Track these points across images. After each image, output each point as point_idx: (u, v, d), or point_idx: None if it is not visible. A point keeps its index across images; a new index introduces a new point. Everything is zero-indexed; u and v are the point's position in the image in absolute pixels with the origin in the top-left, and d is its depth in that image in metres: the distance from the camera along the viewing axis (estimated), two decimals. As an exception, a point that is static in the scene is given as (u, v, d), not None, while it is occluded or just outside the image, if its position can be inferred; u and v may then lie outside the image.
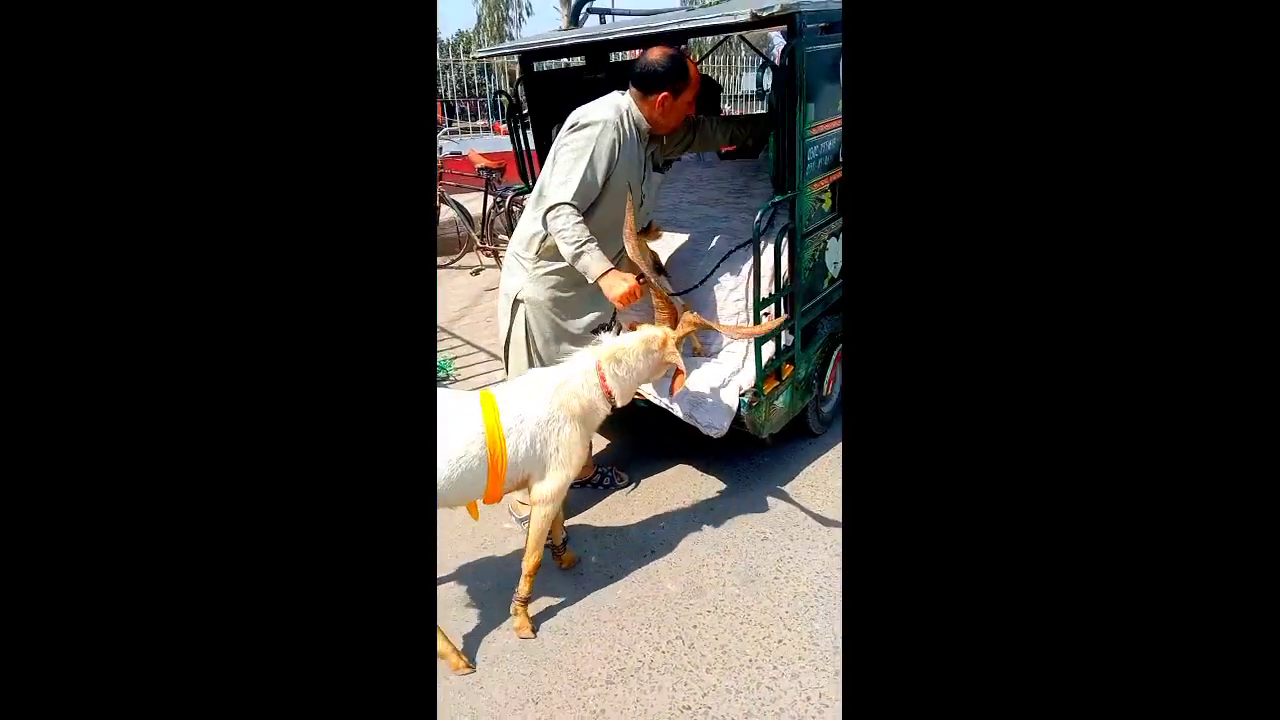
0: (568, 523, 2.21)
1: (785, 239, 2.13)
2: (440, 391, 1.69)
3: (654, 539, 2.20)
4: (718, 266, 2.33)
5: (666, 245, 2.63)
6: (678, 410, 2.20)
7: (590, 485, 2.45)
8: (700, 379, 2.30)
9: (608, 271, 1.86)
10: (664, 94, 1.98)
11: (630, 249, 1.89)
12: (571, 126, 1.98)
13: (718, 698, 1.61)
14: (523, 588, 1.80)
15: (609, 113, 1.99)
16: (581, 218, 1.88)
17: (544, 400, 1.74)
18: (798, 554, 2.08)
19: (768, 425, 2.29)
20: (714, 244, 2.52)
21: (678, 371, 1.89)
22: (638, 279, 1.89)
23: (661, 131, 2.12)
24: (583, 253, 1.85)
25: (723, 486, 2.45)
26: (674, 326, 1.92)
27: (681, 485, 2.46)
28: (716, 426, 2.14)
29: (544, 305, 2.09)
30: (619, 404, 1.83)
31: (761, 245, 2.04)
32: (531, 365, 2.12)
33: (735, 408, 2.17)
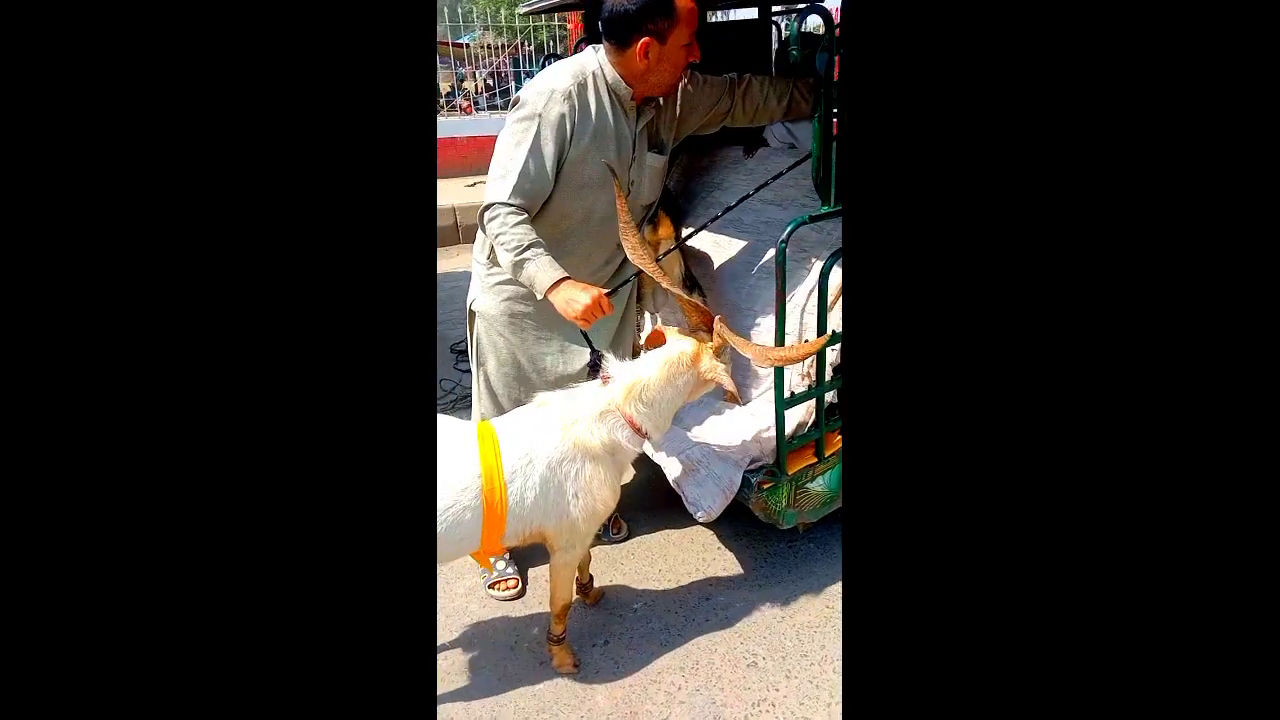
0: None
1: (837, 265, 1.50)
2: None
3: (627, 622, 1.76)
4: (751, 288, 1.75)
5: (721, 251, 2.07)
6: (668, 471, 1.70)
7: None
8: (715, 431, 1.76)
9: (559, 282, 1.40)
10: (644, 39, 1.44)
11: (630, 248, 1.40)
12: (513, 105, 1.53)
13: None
14: (555, 628, 1.56)
15: (561, 80, 1.50)
16: (525, 218, 1.45)
17: (555, 436, 1.38)
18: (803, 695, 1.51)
19: (791, 515, 1.70)
20: (766, 258, 1.91)
21: (728, 393, 1.46)
22: (604, 291, 1.42)
23: (657, 93, 1.57)
24: (525, 260, 1.41)
25: (735, 569, 1.90)
26: (709, 332, 1.43)
27: (680, 551, 1.96)
28: (703, 507, 1.61)
29: (498, 322, 1.70)
30: (655, 437, 1.46)
31: (807, 270, 1.43)
32: (483, 390, 1.77)
33: (734, 485, 1.62)
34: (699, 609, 1.78)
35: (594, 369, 1.51)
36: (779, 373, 1.54)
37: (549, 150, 1.47)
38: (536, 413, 1.43)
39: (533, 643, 1.68)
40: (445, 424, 1.40)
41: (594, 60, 1.54)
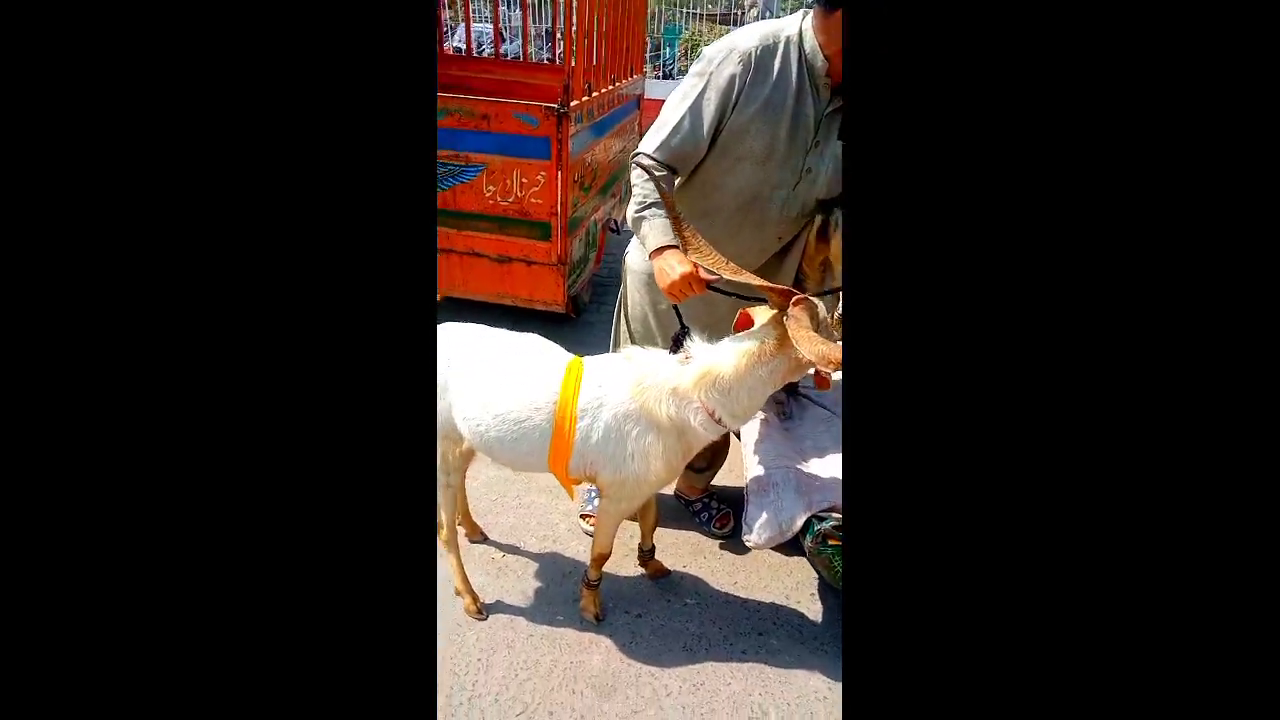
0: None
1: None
2: (530, 338, 1.54)
3: (671, 611, 1.72)
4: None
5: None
6: (748, 473, 1.54)
7: (685, 505, 2.03)
8: (819, 456, 1.53)
9: (663, 249, 1.35)
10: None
11: (707, 261, 1.26)
12: (697, 58, 1.43)
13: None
14: (591, 572, 1.63)
15: (746, 39, 1.35)
16: (664, 175, 1.40)
17: (626, 391, 1.38)
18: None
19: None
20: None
21: (817, 375, 1.32)
22: (699, 271, 1.31)
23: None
24: (643, 217, 1.38)
25: (811, 618, 1.66)
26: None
27: (770, 572, 1.78)
28: (753, 531, 1.43)
29: (639, 278, 1.68)
30: (733, 426, 1.38)
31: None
32: (624, 341, 1.81)
33: (793, 527, 1.40)
34: (746, 640, 1.64)
35: (677, 344, 1.45)
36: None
37: (709, 111, 1.38)
38: (621, 363, 1.44)
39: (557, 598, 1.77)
40: (541, 346, 1.49)
41: (796, 25, 1.37)
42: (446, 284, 2.71)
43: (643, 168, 1.39)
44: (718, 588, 1.79)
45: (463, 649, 1.57)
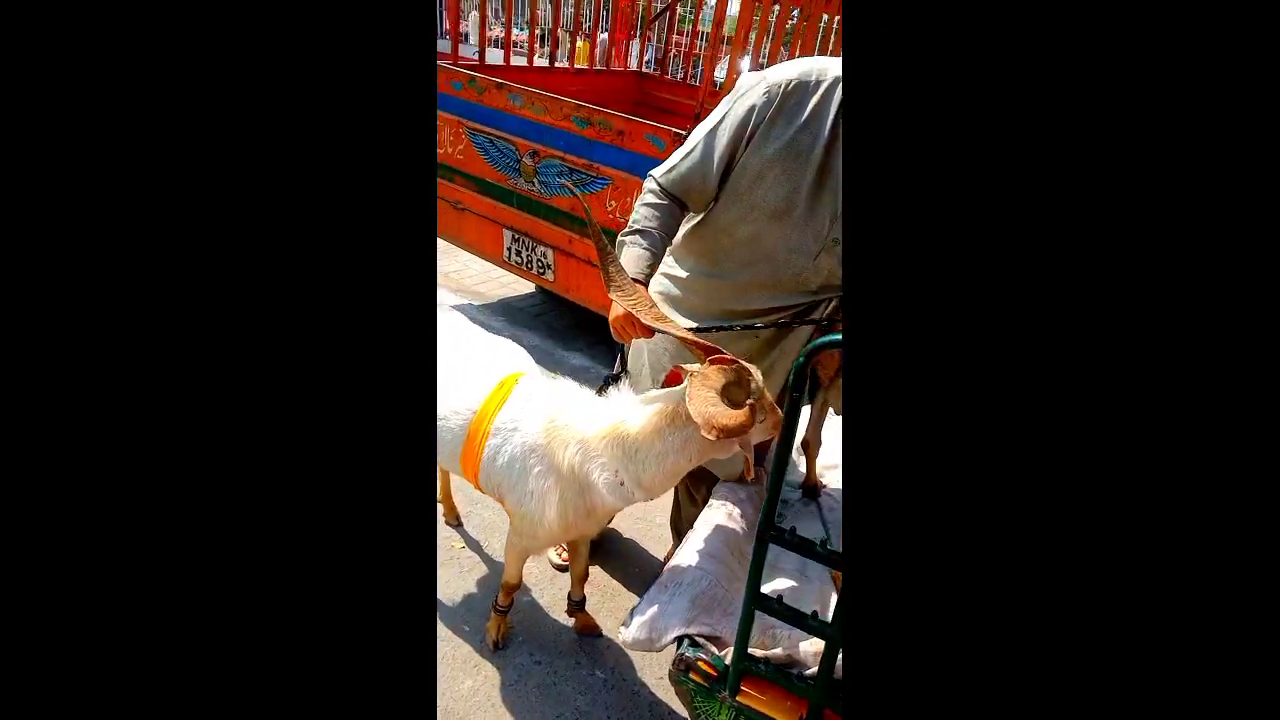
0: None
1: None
2: (500, 344, 1.51)
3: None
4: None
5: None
6: (677, 556, 1.34)
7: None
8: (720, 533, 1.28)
9: (623, 282, 1.22)
10: None
11: (606, 277, 1.12)
12: None
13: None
14: (500, 597, 1.57)
15: (783, 72, 1.16)
16: (665, 203, 1.28)
17: (540, 422, 1.29)
18: None
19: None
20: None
21: (745, 461, 1.15)
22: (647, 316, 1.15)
23: None
24: (624, 242, 1.27)
25: None
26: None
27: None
28: (630, 627, 1.23)
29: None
30: (640, 498, 1.23)
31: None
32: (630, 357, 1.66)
33: (664, 635, 1.18)
34: None
35: (605, 384, 1.30)
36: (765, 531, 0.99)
37: (721, 143, 1.22)
38: (549, 391, 1.35)
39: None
40: (500, 355, 1.46)
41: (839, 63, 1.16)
42: (563, 286, 2.82)
43: (647, 188, 1.30)
44: (638, 675, 1.59)
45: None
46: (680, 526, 1.80)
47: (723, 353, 1.09)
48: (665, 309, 1.46)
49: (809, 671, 1.06)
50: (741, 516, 1.48)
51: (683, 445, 1.14)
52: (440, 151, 3.08)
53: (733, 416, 1.02)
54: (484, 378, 1.38)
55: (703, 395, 1.03)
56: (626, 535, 2.05)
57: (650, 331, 1.18)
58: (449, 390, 1.38)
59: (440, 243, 3.56)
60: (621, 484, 1.20)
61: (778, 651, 1.10)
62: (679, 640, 1.17)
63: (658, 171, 1.31)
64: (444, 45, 3.36)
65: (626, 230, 1.30)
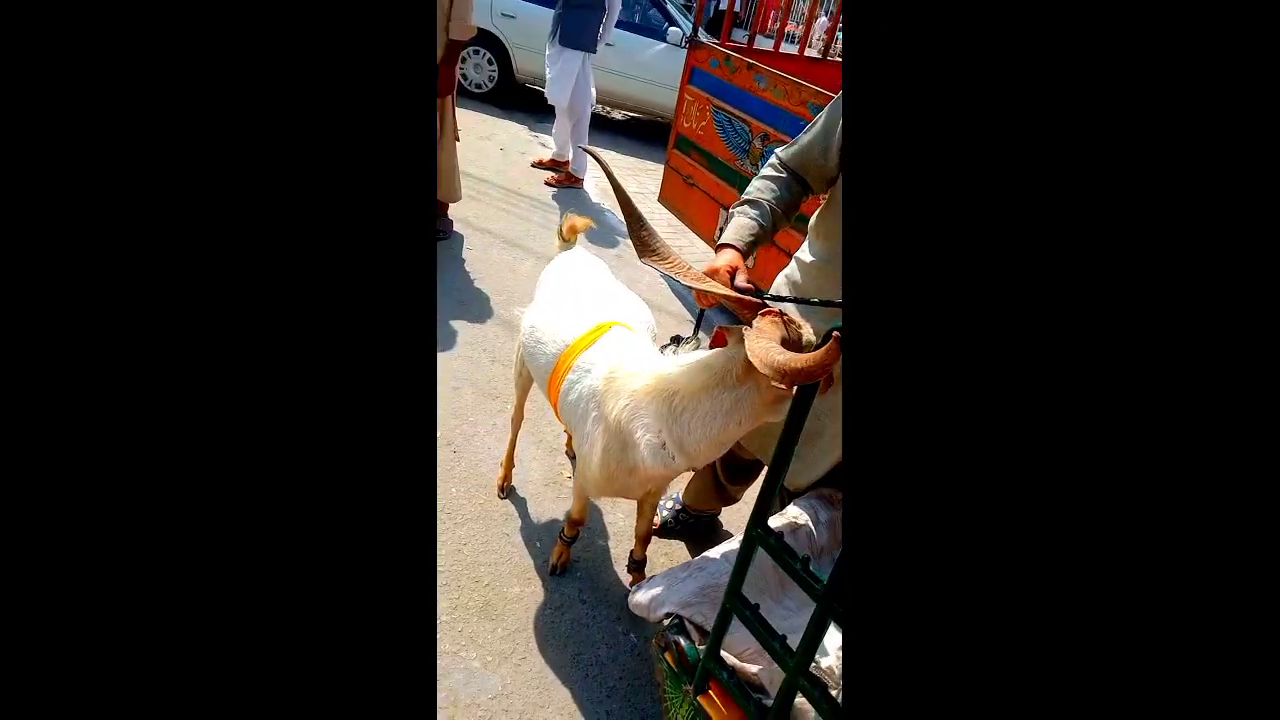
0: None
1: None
2: (620, 291, 1.56)
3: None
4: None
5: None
6: (715, 548, 1.29)
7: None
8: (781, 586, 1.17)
9: (721, 248, 1.21)
10: None
11: (638, 244, 1.05)
12: None
13: None
14: (566, 529, 1.66)
15: None
16: (784, 177, 1.25)
17: (603, 371, 1.30)
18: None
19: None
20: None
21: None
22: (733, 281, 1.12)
23: None
24: (733, 213, 1.26)
25: None
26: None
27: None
28: (635, 597, 1.21)
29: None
30: (682, 464, 1.18)
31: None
32: None
33: (656, 614, 1.14)
34: None
35: (671, 343, 1.26)
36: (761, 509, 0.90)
37: (838, 128, 1.16)
38: (625, 343, 1.36)
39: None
40: (616, 300, 1.51)
41: None
42: (758, 276, 2.76)
43: (768, 164, 1.27)
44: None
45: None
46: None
47: (770, 307, 1.00)
48: (785, 294, 1.39)
49: (768, 701, 0.95)
50: (808, 536, 1.35)
51: (733, 406, 1.07)
52: (686, 125, 3.21)
53: (805, 358, 0.87)
54: (588, 317, 1.45)
55: (763, 345, 0.95)
56: (727, 526, 1.99)
57: (728, 292, 1.13)
58: (554, 320, 1.47)
59: (669, 218, 3.71)
60: (663, 446, 1.17)
61: (748, 667, 1.00)
62: (669, 617, 1.13)
63: (783, 149, 1.28)
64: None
65: (740, 200, 1.27)
